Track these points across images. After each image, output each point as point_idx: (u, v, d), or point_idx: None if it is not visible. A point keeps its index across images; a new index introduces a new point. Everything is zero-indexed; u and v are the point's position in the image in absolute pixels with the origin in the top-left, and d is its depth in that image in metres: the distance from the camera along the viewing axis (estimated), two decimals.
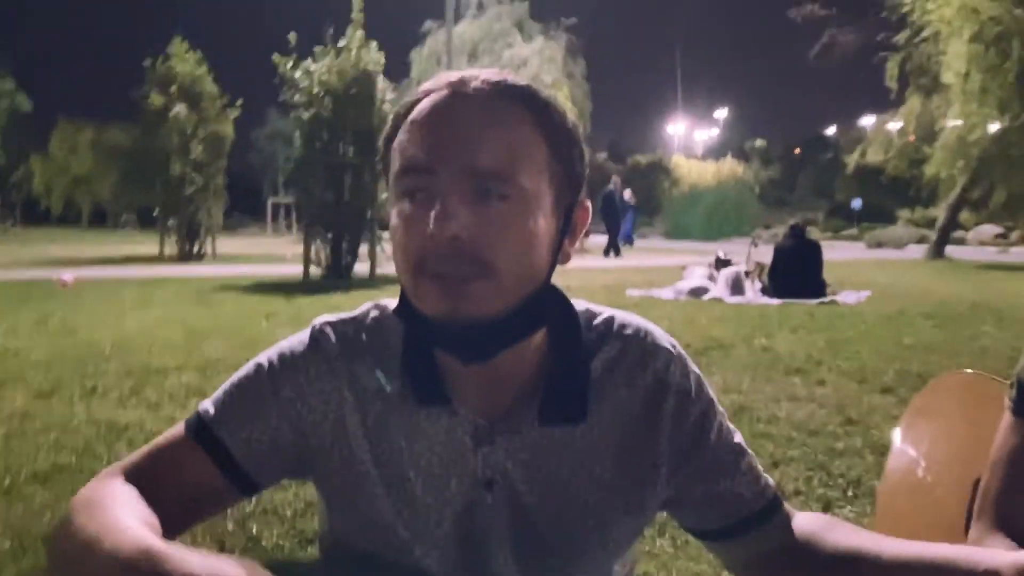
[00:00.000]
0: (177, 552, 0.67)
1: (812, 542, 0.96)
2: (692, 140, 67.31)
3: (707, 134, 69.09)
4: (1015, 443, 1.61)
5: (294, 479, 1.01)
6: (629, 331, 0.99)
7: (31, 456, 3.49)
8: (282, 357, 0.95)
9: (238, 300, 9.49)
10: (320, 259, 12.82)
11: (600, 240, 22.86)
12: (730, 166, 45.33)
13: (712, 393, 1.01)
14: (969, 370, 2.19)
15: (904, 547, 0.87)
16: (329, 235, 12.83)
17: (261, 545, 2.63)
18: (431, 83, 0.89)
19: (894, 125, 25.22)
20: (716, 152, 57.62)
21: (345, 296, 9.66)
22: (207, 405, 0.95)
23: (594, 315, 1.00)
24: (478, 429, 0.92)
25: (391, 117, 0.92)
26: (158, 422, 3.99)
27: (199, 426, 0.93)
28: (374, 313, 0.99)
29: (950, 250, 21.73)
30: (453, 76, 0.88)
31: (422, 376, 0.92)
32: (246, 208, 52.42)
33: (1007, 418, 1.63)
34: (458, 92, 0.86)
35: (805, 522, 1.00)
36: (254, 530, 2.71)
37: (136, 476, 0.89)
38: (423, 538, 0.93)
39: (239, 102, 18.51)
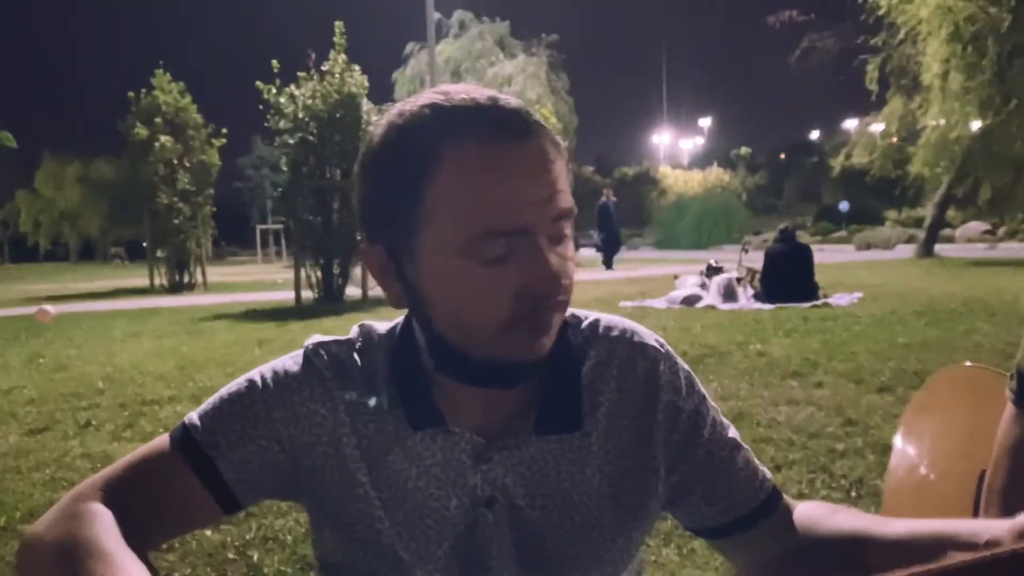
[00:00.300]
0: None
1: (815, 530, 0.95)
2: (678, 150, 67.77)
3: (692, 143, 69.57)
4: (1018, 434, 1.60)
5: (280, 499, 0.99)
6: (615, 332, 0.98)
7: (26, 494, 3.45)
8: (275, 377, 0.93)
9: (230, 328, 9.45)
10: (312, 284, 12.78)
11: (588, 253, 22.91)
12: (716, 174, 45.64)
13: (703, 389, 1.01)
14: (969, 363, 2.19)
15: (906, 525, 0.87)
16: (320, 259, 12.80)
17: (263, 573, 2.59)
18: (446, 116, 0.81)
19: (877, 127, 25.37)
20: (702, 161, 57.99)
21: (338, 320, 9.63)
22: (194, 419, 0.91)
23: (579, 320, 1.00)
24: (475, 447, 0.91)
25: (398, 158, 0.83)
26: None
27: (186, 440, 0.90)
28: (362, 336, 0.97)
29: (939, 248, 21.84)
30: (475, 105, 0.81)
31: (415, 398, 0.91)
32: (235, 236, 52.48)
33: (1009, 409, 1.62)
34: (512, 131, 0.81)
35: (807, 511, 0.99)
36: (255, 558, 2.68)
37: (116, 490, 0.86)
38: (424, 560, 0.91)
39: (224, 131, 18.53)
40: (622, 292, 12.14)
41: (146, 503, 0.86)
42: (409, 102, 0.86)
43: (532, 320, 0.82)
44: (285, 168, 12.92)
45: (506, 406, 0.92)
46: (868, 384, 4.97)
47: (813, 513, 0.98)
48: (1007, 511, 1.39)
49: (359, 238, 0.91)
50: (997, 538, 0.75)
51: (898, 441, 2.27)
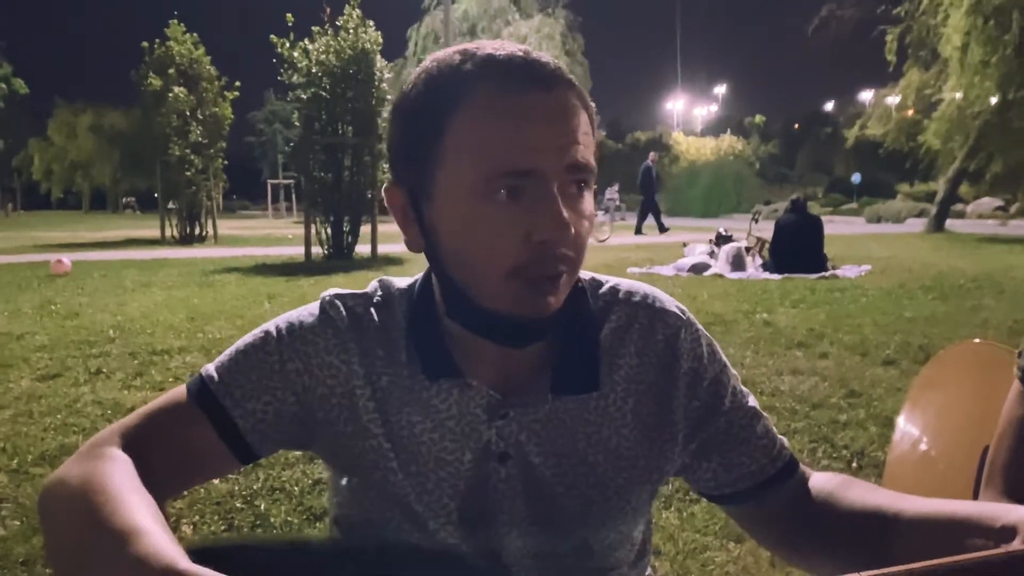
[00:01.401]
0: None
1: (830, 501, 0.95)
2: (691, 116, 67.17)
3: (706, 110, 68.91)
4: (1023, 412, 1.62)
5: (296, 450, 1.00)
6: (636, 298, 0.98)
7: (38, 438, 3.51)
8: (291, 328, 0.94)
9: (240, 282, 9.50)
10: (321, 240, 12.80)
11: (597, 218, 22.79)
12: (729, 142, 45.26)
13: (724, 357, 1.01)
14: (978, 340, 2.20)
15: (922, 504, 0.86)
16: (330, 216, 12.81)
17: (269, 522, 2.65)
18: (477, 63, 0.83)
19: (893, 99, 25.11)
20: (715, 128, 57.48)
21: (347, 277, 9.67)
22: (211, 370, 0.93)
23: (599, 284, 1.00)
24: (491, 402, 0.91)
25: (426, 100, 0.85)
26: None
27: (202, 391, 0.91)
28: (380, 290, 0.98)
29: (950, 223, 21.71)
30: (507, 55, 0.83)
31: (432, 350, 0.91)
32: (245, 190, 52.42)
33: (1016, 387, 1.63)
34: (537, 79, 0.82)
35: (822, 481, 0.99)
36: (262, 507, 2.73)
37: (134, 439, 0.87)
38: (436, 512, 0.92)
39: (237, 84, 18.45)
40: (630, 258, 12.14)
41: (163, 452, 0.88)
42: (444, 51, 0.88)
43: (538, 270, 0.82)
44: (297, 123, 12.88)
45: (523, 364, 0.92)
46: (873, 356, 4.98)
47: (828, 484, 0.98)
48: (1008, 488, 1.40)
49: (384, 184, 0.92)
50: (1013, 524, 0.74)
51: (903, 414, 2.29)
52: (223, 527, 2.61)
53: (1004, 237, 18.47)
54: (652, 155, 23.71)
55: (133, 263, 12.05)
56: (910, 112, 24.21)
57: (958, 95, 18.80)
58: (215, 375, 0.92)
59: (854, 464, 3.16)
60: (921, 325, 6.07)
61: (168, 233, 18.35)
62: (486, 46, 0.86)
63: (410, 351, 0.92)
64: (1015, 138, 18.62)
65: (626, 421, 0.95)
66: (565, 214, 0.80)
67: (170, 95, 17.28)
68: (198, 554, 0.73)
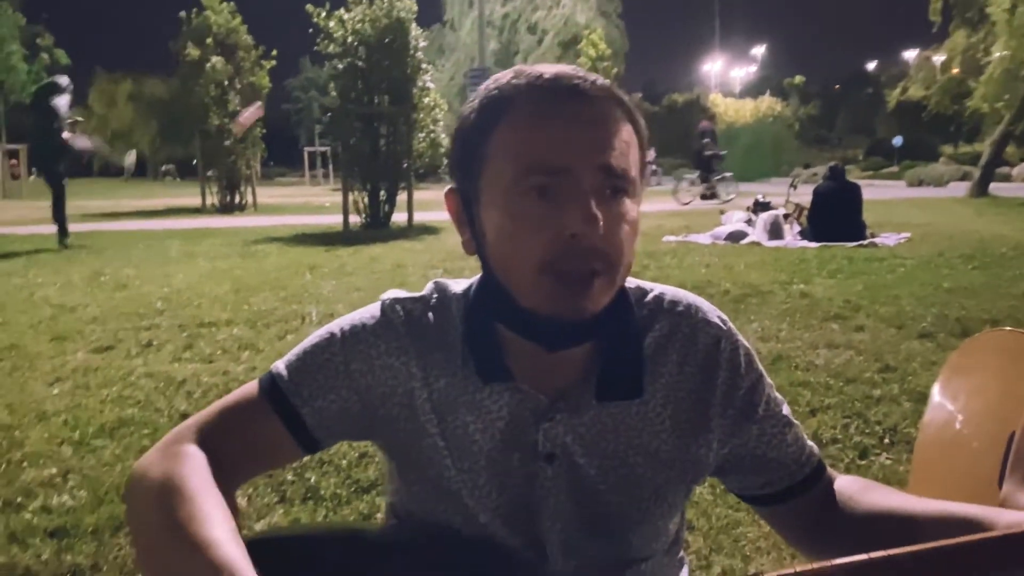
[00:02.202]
0: None
1: (851, 504, 1.02)
2: (729, 78, 66.09)
3: (744, 71, 67.75)
4: None
5: (357, 440, 1.08)
6: (680, 308, 1.04)
7: (97, 410, 3.66)
8: (354, 330, 1.01)
9: (281, 252, 9.66)
10: (359, 209, 12.92)
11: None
12: (768, 104, 44.50)
13: (760, 367, 1.07)
14: (1008, 328, 2.24)
15: (938, 506, 0.93)
16: (367, 185, 12.90)
17: (319, 494, 2.77)
18: (525, 79, 0.91)
19: (937, 59, 24.58)
20: (754, 90, 56.55)
21: (385, 247, 9.78)
22: (280, 368, 1.00)
23: (645, 292, 1.05)
24: (539, 405, 0.97)
25: (479, 113, 0.93)
26: (213, 375, 4.16)
27: (273, 389, 0.99)
28: (436, 293, 1.04)
29: (994, 187, 21.24)
30: (554, 73, 0.90)
31: (486, 354, 0.97)
32: (282, 157, 52.76)
33: None
34: (577, 91, 0.89)
35: (844, 485, 1.06)
36: (312, 480, 2.85)
37: (210, 434, 0.95)
38: (486, 507, 0.99)
39: (274, 52, 18.57)
40: (666, 226, 12.10)
41: (236, 445, 0.96)
42: (503, 72, 0.96)
43: (568, 263, 0.86)
44: (334, 93, 12.95)
45: (570, 370, 0.98)
46: (909, 330, 4.99)
47: (849, 488, 1.05)
48: None
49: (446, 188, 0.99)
50: (1012, 524, 0.81)
51: (934, 396, 2.34)
52: (276, 499, 2.73)
53: None
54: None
55: (176, 233, 12.27)
56: (955, 72, 23.69)
57: (1006, 53, 18.35)
58: (284, 373, 1.00)
59: (886, 440, 3.20)
60: (959, 296, 6.04)
61: (208, 202, 18.60)
62: (540, 67, 0.93)
63: (465, 354, 0.99)
64: None
65: (665, 427, 1.01)
66: (595, 210, 0.85)
67: (208, 65, 17.46)
68: (259, 545, 0.83)
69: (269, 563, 0.80)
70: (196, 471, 0.90)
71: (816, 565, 0.75)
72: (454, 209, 0.98)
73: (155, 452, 0.95)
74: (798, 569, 0.73)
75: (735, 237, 10.20)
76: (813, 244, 9.60)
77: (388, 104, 12.67)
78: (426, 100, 13.05)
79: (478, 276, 1.03)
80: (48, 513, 2.60)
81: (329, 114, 13.56)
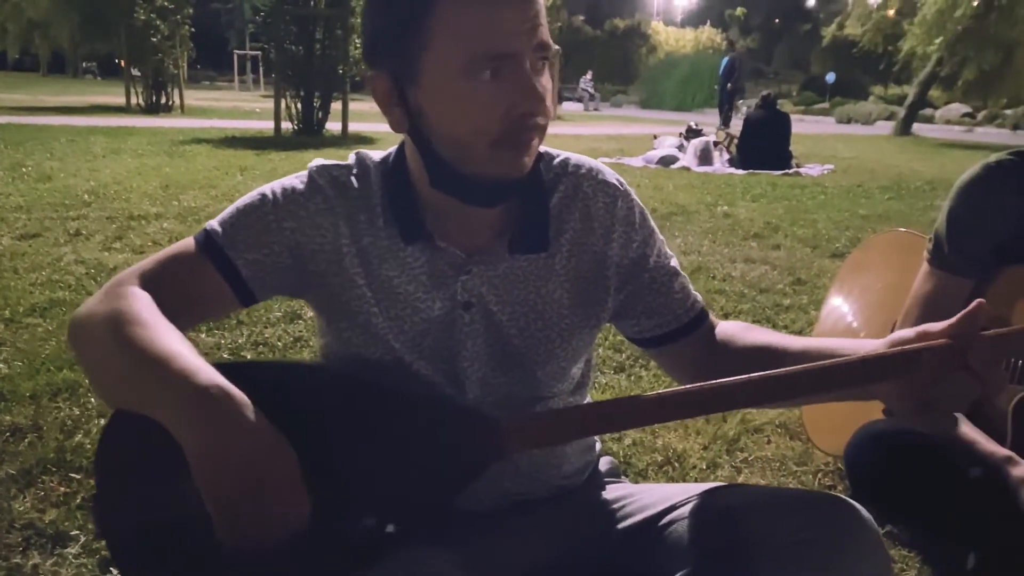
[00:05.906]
0: (247, 401, 0.84)
1: (732, 342, 1.18)
2: (672, 6, 65.79)
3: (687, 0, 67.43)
4: (928, 288, 1.87)
5: (289, 296, 1.16)
6: (583, 170, 1.14)
7: (26, 291, 3.64)
8: (285, 192, 1.08)
9: (211, 154, 9.49)
10: (291, 115, 12.69)
11: (571, 107, 22.64)
12: (708, 34, 44.59)
13: (653, 224, 1.20)
14: (903, 228, 2.44)
15: (804, 341, 1.10)
16: (300, 91, 12.64)
17: None
18: None
19: None
20: (696, 19, 56.47)
21: (318, 153, 9.68)
22: (215, 225, 1.06)
23: (551, 157, 1.15)
24: (457, 260, 1.07)
25: None
26: None
27: (208, 243, 1.05)
28: (359, 162, 1.13)
29: (917, 128, 21.91)
30: None
31: (407, 217, 1.07)
32: (211, 60, 50.78)
33: (924, 267, 1.89)
34: None
35: (727, 327, 1.22)
36: (247, 359, 2.94)
37: (150, 281, 1.01)
38: (411, 349, 1.09)
39: None
40: (601, 148, 12.25)
41: (176, 293, 1.02)
42: None
43: (517, 137, 0.96)
44: None
45: (485, 228, 1.08)
46: (823, 249, 5.26)
47: (731, 329, 1.21)
48: None
49: (366, 71, 1.02)
50: (869, 352, 0.95)
51: (831, 292, 2.55)
52: None
53: (967, 143, 18.77)
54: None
55: (100, 130, 11.88)
56: (891, 13, 24.03)
57: None
58: (219, 229, 1.06)
59: None
60: (873, 222, 6.34)
61: (133, 101, 17.94)
62: None
63: (388, 217, 1.07)
64: (989, 43, 18.68)
65: (569, 277, 1.12)
66: (539, 89, 0.95)
67: None
68: (218, 370, 0.90)
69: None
70: (146, 306, 0.96)
71: (708, 384, 0.93)
72: (380, 91, 1.00)
73: (99, 295, 1.00)
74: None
75: (666, 161, 10.40)
76: (741, 171, 9.84)
77: (325, 6, 12.34)
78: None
79: (394, 147, 1.10)
80: None
81: (262, 15, 13.15)
